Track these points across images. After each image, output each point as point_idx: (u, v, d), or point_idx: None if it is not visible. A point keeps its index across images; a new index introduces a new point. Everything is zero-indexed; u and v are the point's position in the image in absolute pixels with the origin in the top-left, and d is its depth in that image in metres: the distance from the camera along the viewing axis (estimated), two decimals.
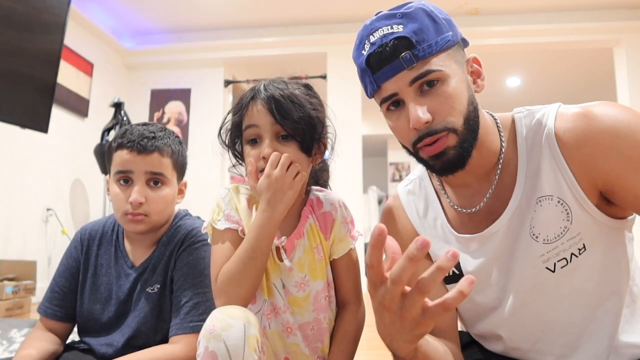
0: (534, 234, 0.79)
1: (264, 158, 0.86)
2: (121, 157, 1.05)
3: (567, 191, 0.76)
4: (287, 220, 0.92)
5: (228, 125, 0.95)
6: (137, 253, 1.12)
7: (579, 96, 6.32)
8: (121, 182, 1.06)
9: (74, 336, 1.16)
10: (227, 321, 0.72)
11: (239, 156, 0.95)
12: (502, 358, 0.89)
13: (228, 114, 0.95)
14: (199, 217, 1.19)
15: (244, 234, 0.89)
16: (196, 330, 0.99)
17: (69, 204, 3.92)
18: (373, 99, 0.83)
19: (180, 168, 1.14)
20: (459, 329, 1.05)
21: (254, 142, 0.89)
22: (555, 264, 0.78)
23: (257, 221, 0.84)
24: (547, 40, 4.37)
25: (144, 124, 1.11)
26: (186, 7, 4.27)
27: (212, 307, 1.02)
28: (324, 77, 4.60)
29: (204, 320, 0.99)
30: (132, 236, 1.13)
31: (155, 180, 1.06)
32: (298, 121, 0.86)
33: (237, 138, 0.94)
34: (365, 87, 0.82)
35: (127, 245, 1.13)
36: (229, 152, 0.96)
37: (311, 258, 0.92)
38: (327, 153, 0.96)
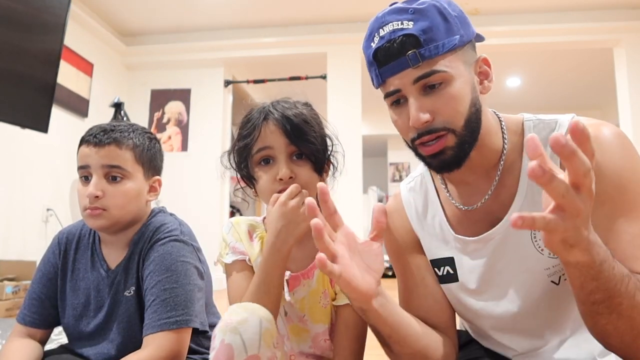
0: (539, 247, 0.79)
1: (280, 179, 0.85)
2: (81, 153, 1.03)
3: None
4: (303, 254, 0.93)
5: (237, 147, 0.93)
6: (112, 256, 1.08)
7: (579, 96, 6.32)
8: (83, 178, 1.03)
9: (65, 338, 1.13)
10: (243, 315, 0.73)
11: (247, 177, 0.95)
12: (499, 356, 0.90)
13: (237, 138, 0.93)
14: (172, 214, 1.14)
15: (250, 262, 0.90)
16: (165, 328, 0.94)
17: (69, 204, 3.92)
18: (375, 98, 0.83)
19: (147, 162, 1.08)
20: (458, 327, 1.06)
21: (267, 162, 0.88)
22: (560, 277, 0.78)
23: (266, 255, 0.84)
24: (547, 40, 4.37)
25: (114, 121, 1.08)
26: (186, 7, 4.27)
27: (182, 302, 0.97)
28: (324, 77, 4.59)
29: (173, 317, 0.95)
30: (106, 239, 1.09)
31: (113, 174, 1.02)
32: (312, 141, 0.87)
33: (244, 160, 0.93)
34: (371, 78, 0.83)
35: (104, 249, 1.09)
36: (237, 174, 0.96)
37: (315, 301, 0.92)
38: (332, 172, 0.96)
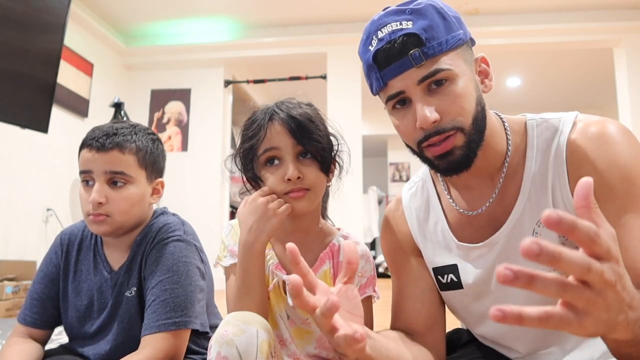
0: None
1: (289, 180, 0.85)
2: (83, 157, 1.02)
3: (563, 209, 0.75)
4: (304, 258, 0.92)
5: (242, 149, 0.92)
6: (114, 257, 1.08)
7: (579, 96, 6.32)
8: (85, 182, 1.02)
9: (66, 338, 1.14)
10: (239, 326, 0.71)
11: (252, 179, 0.94)
12: (501, 357, 0.89)
13: (242, 139, 0.92)
14: (174, 214, 1.14)
15: None
16: (163, 329, 0.94)
17: (69, 204, 3.92)
18: (376, 97, 0.81)
19: (150, 166, 1.07)
20: (460, 326, 1.05)
21: (272, 162, 0.87)
22: None
23: (240, 255, 0.84)
24: (547, 40, 4.37)
25: (115, 122, 1.06)
26: (186, 7, 4.27)
27: (182, 303, 0.97)
28: (324, 77, 4.59)
29: (172, 318, 0.95)
30: (108, 240, 1.08)
31: (116, 179, 1.01)
32: (319, 140, 0.87)
33: (249, 162, 0.92)
34: (370, 84, 0.80)
35: (107, 250, 1.09)
36: (242, 176, 0.95)
37: None
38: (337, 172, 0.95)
